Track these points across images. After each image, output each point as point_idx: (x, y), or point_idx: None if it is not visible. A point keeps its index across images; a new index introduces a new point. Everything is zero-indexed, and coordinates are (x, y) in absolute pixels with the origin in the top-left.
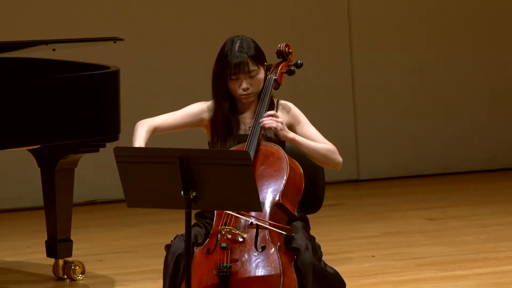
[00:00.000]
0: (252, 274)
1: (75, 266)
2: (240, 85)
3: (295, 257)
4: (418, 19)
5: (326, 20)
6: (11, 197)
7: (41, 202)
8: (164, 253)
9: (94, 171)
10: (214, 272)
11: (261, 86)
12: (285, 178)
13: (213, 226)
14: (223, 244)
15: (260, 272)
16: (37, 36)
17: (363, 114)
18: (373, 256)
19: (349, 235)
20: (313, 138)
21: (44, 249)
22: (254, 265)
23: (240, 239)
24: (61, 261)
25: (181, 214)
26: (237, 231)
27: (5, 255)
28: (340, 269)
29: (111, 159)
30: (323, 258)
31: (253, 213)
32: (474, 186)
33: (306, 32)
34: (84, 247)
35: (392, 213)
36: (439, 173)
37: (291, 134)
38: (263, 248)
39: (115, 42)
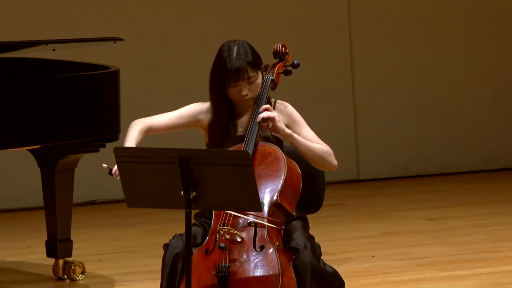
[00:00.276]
0: (251, 274)
1: (75, 266)
2: (240, 91)
3: (294, 256)
4: (418, 19)
5: (326, 20)
6: (11, 197)
7: (41, 202)
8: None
9: (94, 171)
10: (213, 272)
11: (259, 89)
12: (283, 178)
13: (211, 226)
14: (222, 244)
15: (258, 272)
16: (37, 36)
17: (363, 114)
18: (373, 256)
19: (349, 235)
20: (309, 139)
21: (44, 249)
22: (252, 265)
23: (239, 239)
24: (61, 261)
25: (181, 214)
26: (235, 231)
27: (5, 255)
28: (340, 269)
29: (111, 159)
30: (323, 258)
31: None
32: (474, 186)
33: (306, 32)
34: (84, 247)
35: (392, 213)
36: (439, 173)
37: (288, 130)
38: (262, 247)
39: (115, 42)
